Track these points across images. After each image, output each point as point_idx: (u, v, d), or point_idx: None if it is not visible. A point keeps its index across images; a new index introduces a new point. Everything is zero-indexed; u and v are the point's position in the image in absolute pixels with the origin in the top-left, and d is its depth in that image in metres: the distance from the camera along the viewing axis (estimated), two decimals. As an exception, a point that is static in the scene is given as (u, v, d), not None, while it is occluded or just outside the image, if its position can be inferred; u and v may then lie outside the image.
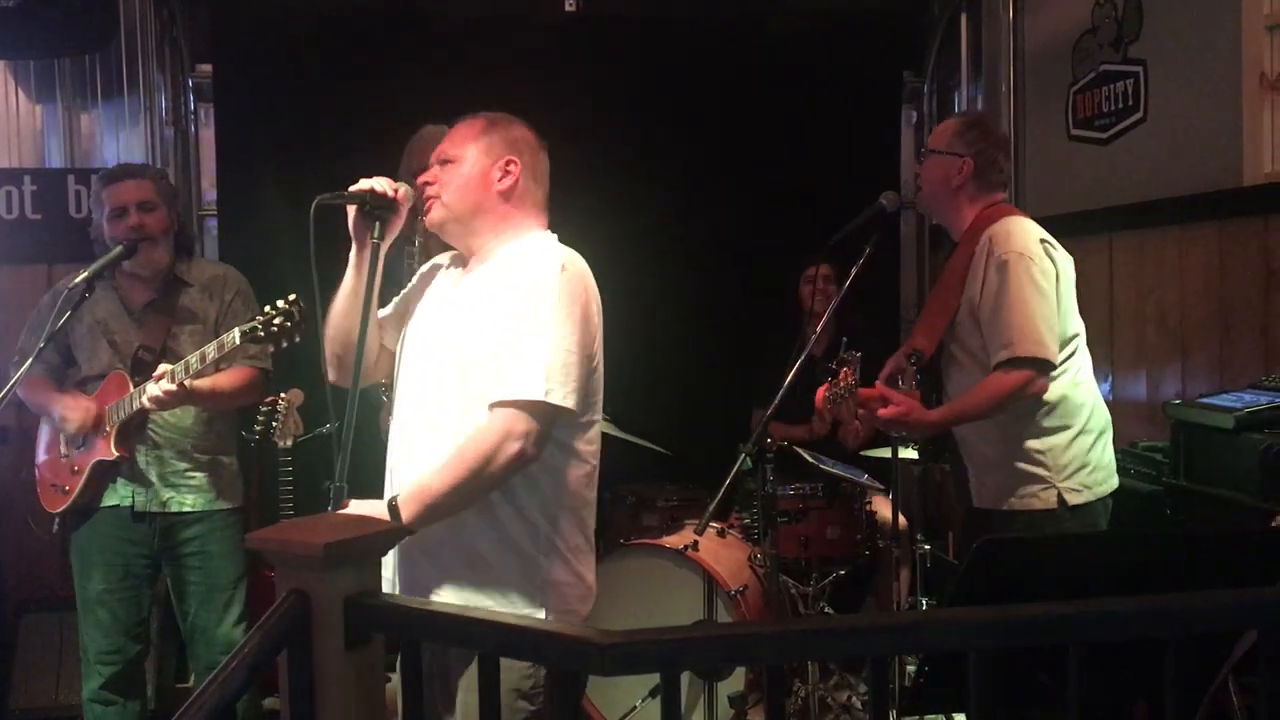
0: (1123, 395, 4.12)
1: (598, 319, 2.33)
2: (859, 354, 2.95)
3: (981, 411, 2.96)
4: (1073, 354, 3.02)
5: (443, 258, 2.54)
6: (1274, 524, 2.46)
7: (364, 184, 2.33)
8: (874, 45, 5.31)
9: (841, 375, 2.92)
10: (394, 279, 2.68)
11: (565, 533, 2.29)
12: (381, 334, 2.49)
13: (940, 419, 3.03)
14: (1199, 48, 3.72)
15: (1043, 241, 3.00)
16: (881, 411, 2.91)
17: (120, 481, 3.30)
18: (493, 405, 2.19)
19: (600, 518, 4.74)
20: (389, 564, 2.34)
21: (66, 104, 4.61)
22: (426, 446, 2.28)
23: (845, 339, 3.08)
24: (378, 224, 2.32)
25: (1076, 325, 3.05)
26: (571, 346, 2.21)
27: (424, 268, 2.58)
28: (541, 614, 2.25)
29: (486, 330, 2.25)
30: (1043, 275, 2.92)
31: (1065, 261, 3.03)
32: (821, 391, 2.91)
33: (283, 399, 3.62)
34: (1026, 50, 4.80)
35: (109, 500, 3.31)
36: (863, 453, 4.61)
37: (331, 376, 2.43)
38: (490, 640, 1.58)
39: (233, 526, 3.41)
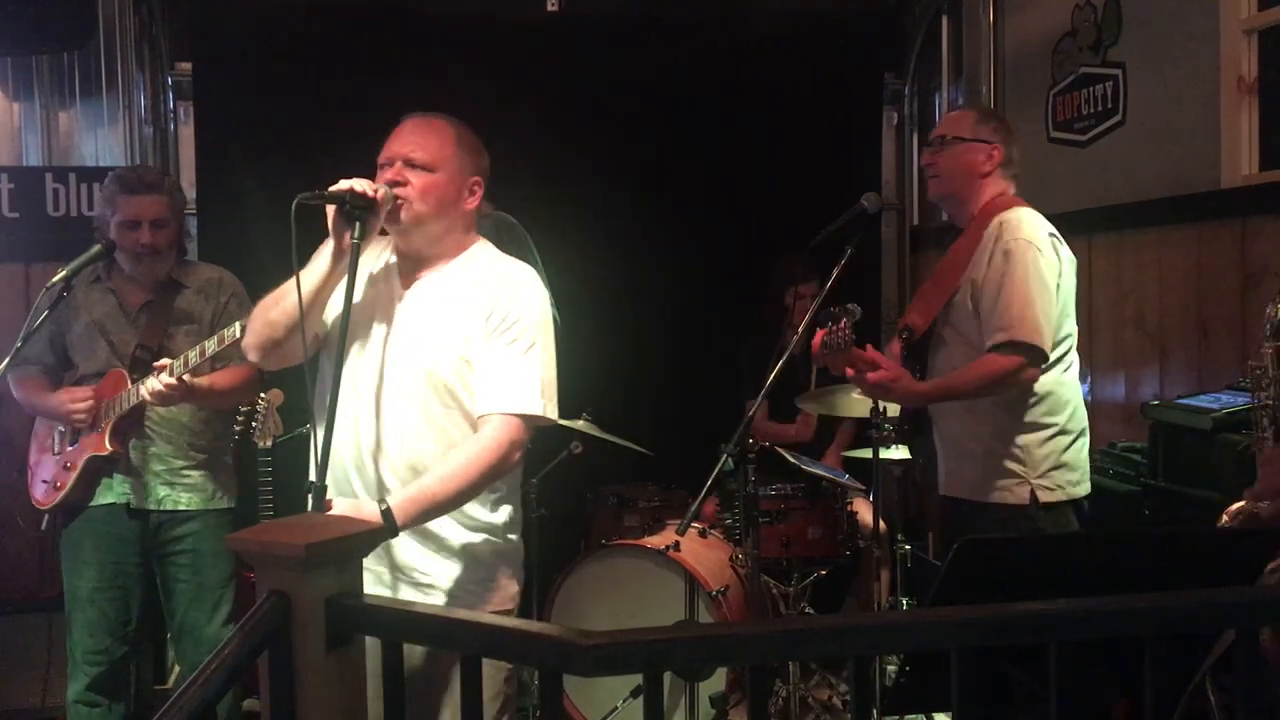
0: (1101, 396, 4.14)
1: None
2: (858, 309, 2.93)
3: (971, 390, 2.96)
4: (1065, 352, 3.03)
5: (371, 253, 2.51)
6: (1224, 520, 2.47)
7: (344, 184, 2.33)
8: (855, 47, 5.33)
9: (841, 326, 2.89)
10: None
11: (517, 510, 2.55)
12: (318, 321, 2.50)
13: (929, 391, 3.04)
14: (1178, 51, 3.74)
15: (1051, 235, 3.02)
16: (870, 375, 2.91)
17: (117, 478, 3.30)
18: (492, 414, 2.34)
19: (583, 518, 4.77)
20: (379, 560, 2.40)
21: (44, 102, 4.58)
22: (398, 450, 2.37)
23: (833, 308, 3.03)
24: (358, 224, 2.32)
25: (1071, 325, 3.06)
26: (552, 363, 2.43)
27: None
28: (510, 578, 2.50)
29: (464, 341, 2.36)
30: (1048, 268, 2.95)
31: (1070, 260, 3.05)
32: (819, 336, 2.90)
33: (262, 399, 3.60)
34: (1006, 52, 4.82)
35: (105, 498, 3.31)
36: (844, 453, 4.64)
37: (253, 357, 2.50)
38: (472, 641, 1.58)
39: (226, 526, 3.41)
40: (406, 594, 2.39)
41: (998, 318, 2.91)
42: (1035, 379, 2.93)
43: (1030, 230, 2.98)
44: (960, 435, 3.08)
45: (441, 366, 2.36)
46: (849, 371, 2.96)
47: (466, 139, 2.48)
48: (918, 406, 3.16)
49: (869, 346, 3.00)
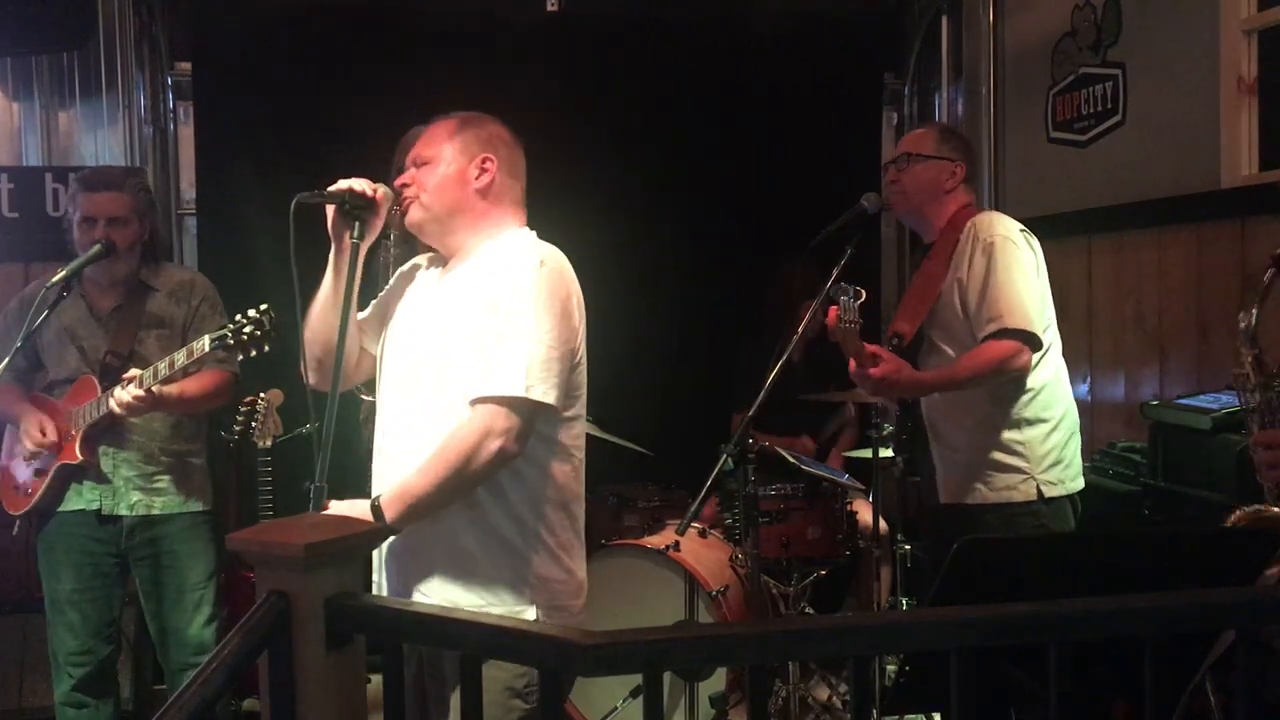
0: (1101, 396, 4.14)
1: (579, 313, 2.33)
2: (861, 291, 2.91)
3: (970, 378, 3.00)
4: (1050, 345, 3.07)
5: (421, 259, 2.54)
6: (1230, 522, 2.47)
7: (343, 184, 2.32)
8: (855, 47, 5.33)
9: (852, 305, 2.88)
10: (370, 277, 2.68)
11: (554, 527, 2.31)
12: (361, 336, 2.48)
13: (931, 380, 3.07)
14: (1177, 51, 3.74)
15: (1022, 231, 3.09)
16: (873, 370, 2.92)
17: (87, 485, 3.27)
18: (473, 402, 2.20)
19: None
20: (377, 565, 2.34)
21: (44, 102, 4.58)
22: (411, 446, 2.28)
23: (844, 283, 3.04)
24: (357, 224, 2.32)
25: (1052, 317, 3.11)
26: (552, 342, 2.21)
27: (403, 269, 2.58)
28: (531, 611, 2.25)
29: (466, 328, 2.25)
30: (1026, 260, 3.02)
31: (1040, 253, 3.11)
32: (834, 312, 2.89)
33: (262, 399, 3.60)
34: (1006, 53, 4.82)
35: (76, 504, 3.29)
36: (844, 453, 4.64)
37: (311, 380, 2.41)
38: (472, 641, 1.58)
39: (201, 527, 3.40)
40: None
41: (987, 309, 2.96)
42: (1028, 365, 2.97)
43: (1005, 227, 3.06)
44: (949, 432, 3.12)
45: (454, 360, 2.26)
46: (852, 365, 2.97)
47: (472, 122, 2.43)
48: (919, 397, 3.17)
49: (867, 345, 3.00)
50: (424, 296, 2.43)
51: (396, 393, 2.37)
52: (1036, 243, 3.10)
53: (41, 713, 3.73)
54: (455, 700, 2.20)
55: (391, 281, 2.57)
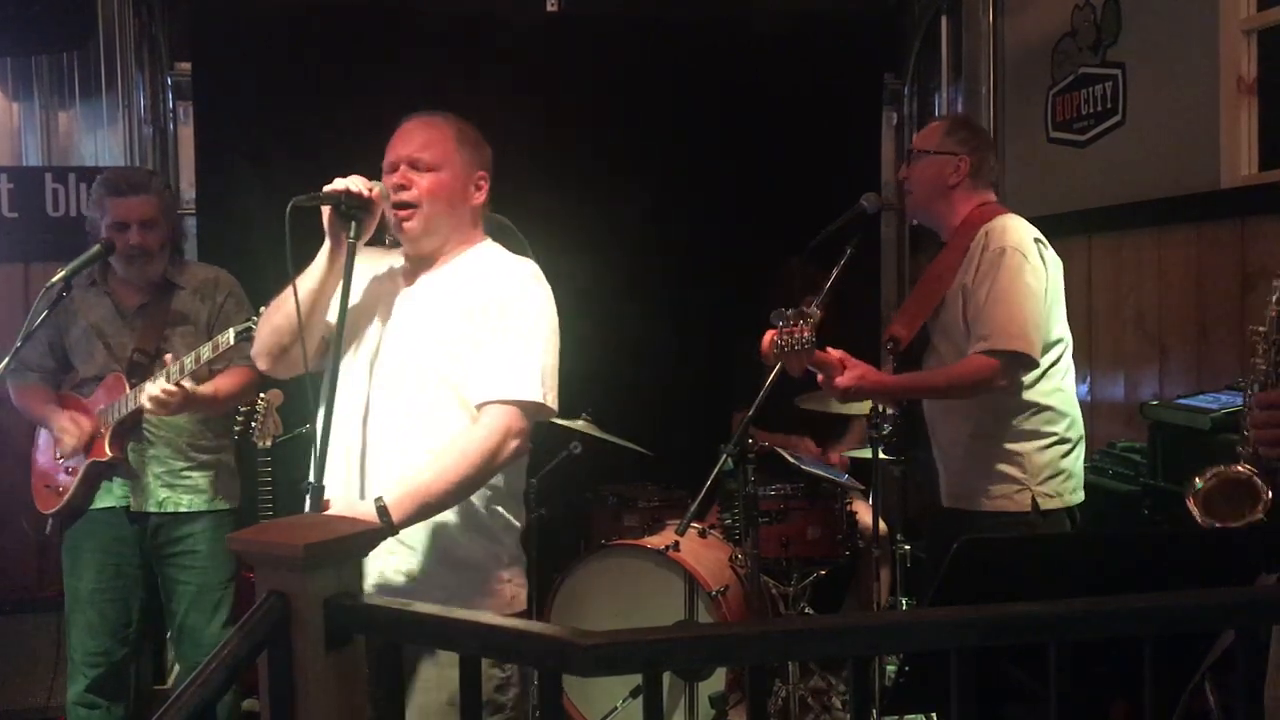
0: (1101, 396, 4.14)
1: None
2: (816, 312, 2.87)
3: (943, 389, 2.97)
4: (1058, 360, 3.02)
5: (377, 255, 2.52)
6: (1198, 484, 2.43)
7: (339, 184, 2.32)
8: (854, 47, 5.34)
9: (797, 328, 2.83)
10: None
11: (518, 513, 2.47)
12: (324, 327, 2.48)
13: (896, 384, 3.04)
14: (1177, 51, 3.74)
15: (1037, 241, 3.00)
16: (839, 380, 2.85)
17: (117, 482, 3.31)
18: (488, 404, 2.28)
19: (583, 518, 4.78)
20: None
21: (44, 102, 4.57)
22: (397, 445, 2.32)
23: (809, 296, 3.01)
24: (353, 224, 2.32)
25: (1063, 331, 3.04)
26: (553, 351, 2.36)
27: (363, 264, 2.50)
28: (506, 573, 2.42)
29: (450, 333, 2.33)
30: (1033, 274, 2.93)
31: (1055, 265, 3.03)
32: (769, 337, 2.84)
33: (262, 399, 3.60)
34: (1006, 52, 4.82)
35: (105, 501, 3.32)
36: (845, 454, 4.64)
37: (263, 366, 2.49)
38: (471, 641, 1.58)
39: (226, 526, 3.41)
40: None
41: (981, 325, 2.90)
42: (1013, 386, 2.91)
43: (1016, 237, 2.96)
44: (947, 438, 3.09)
45: (435, 363, 2.32)
46: (820, 379, 2.94)
47: (468, 134, 2.47)
48: (890, 401, 3.15)
49: (829, 348, 2.91)
50: (398, 300, 2.44)
51: (375, 393, 2.37)
52: (1051, 255, 3.01)
53: (55, 712, 3.74)
54: (419, 706, 2.23)
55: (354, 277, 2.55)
